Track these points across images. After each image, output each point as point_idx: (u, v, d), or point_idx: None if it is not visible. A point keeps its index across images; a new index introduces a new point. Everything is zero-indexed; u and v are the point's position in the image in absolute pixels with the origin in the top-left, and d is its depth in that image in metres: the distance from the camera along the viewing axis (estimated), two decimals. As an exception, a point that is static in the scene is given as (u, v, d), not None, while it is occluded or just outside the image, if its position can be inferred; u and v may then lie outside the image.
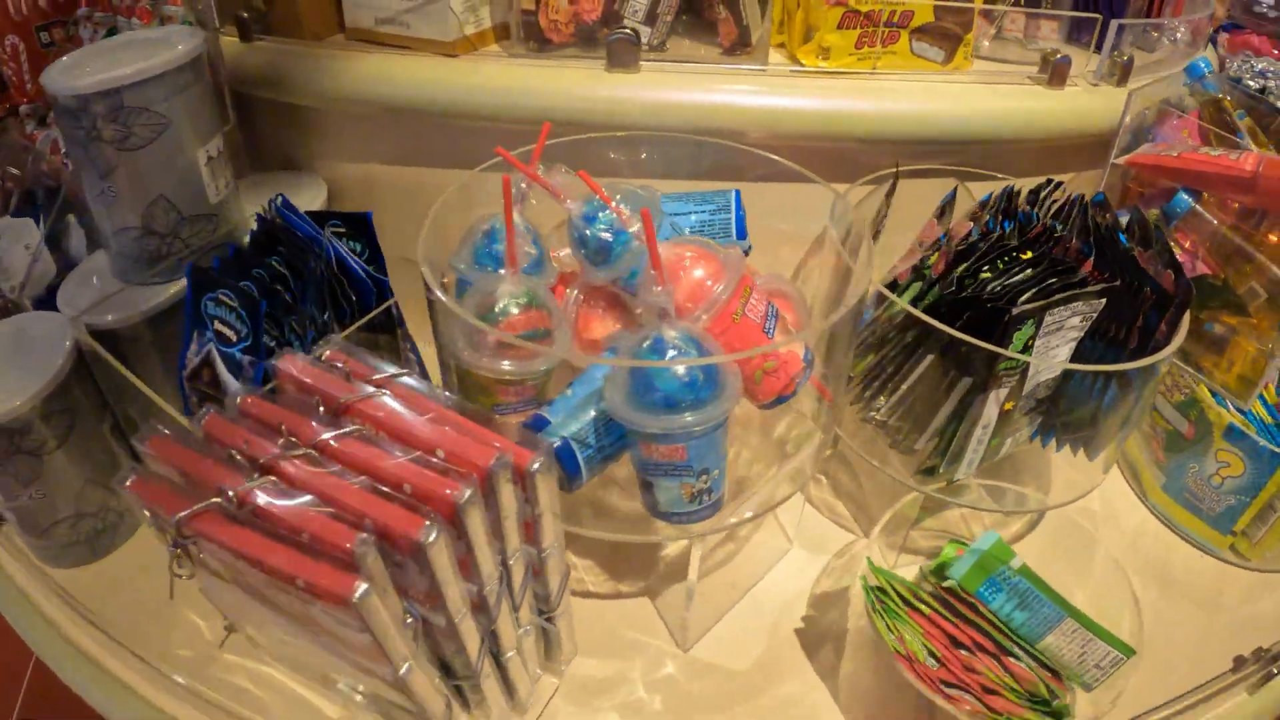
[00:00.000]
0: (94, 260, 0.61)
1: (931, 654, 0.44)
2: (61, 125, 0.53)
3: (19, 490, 0.52)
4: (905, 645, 0.43)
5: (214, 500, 0.34)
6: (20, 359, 0.52)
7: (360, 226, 0.54)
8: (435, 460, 0.36)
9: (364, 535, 0.33)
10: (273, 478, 0.35)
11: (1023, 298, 0.45)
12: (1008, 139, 0.58)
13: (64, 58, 0.55)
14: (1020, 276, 0.46)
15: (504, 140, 0.51)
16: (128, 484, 0.36)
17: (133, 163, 0.52)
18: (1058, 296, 0.45)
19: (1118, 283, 0.46)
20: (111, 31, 0.75)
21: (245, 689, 0.47)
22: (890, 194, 0.55)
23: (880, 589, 0.45)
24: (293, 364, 0.40)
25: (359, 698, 0.44)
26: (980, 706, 0.42)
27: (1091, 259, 0.48)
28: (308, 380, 0.39)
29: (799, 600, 0.53)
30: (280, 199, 0.54)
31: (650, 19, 0.54)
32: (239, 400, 0.39)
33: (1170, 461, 0.55)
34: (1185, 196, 0.54)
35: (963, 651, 0.45)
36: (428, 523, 0.33)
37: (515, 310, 0.40)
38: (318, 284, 0.49)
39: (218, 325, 0.48)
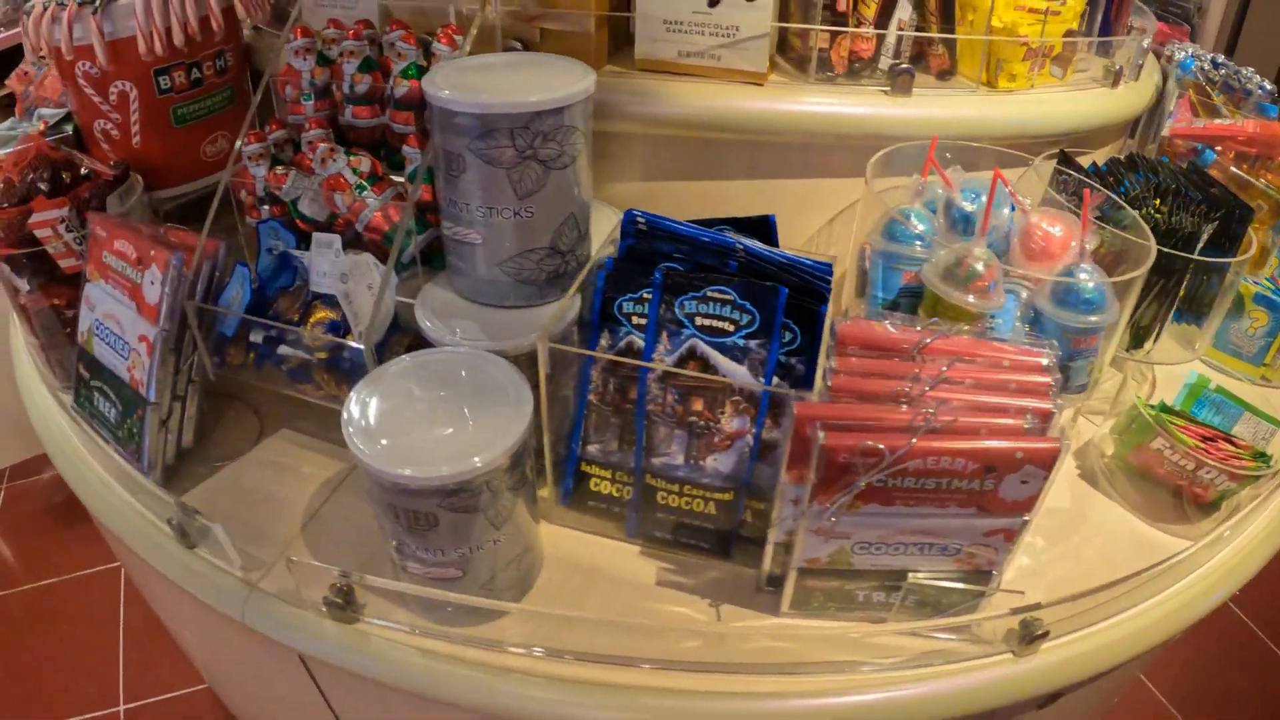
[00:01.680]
0: (426, 293, 0.58)
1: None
2: (478, 147, 0.51)
3: (491, 535, 0.50)
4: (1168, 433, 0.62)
5: (908, 420, 0.43)
6: (477, 395, 0.49)
7: (760, 228, 0.59)
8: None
9: (1027, 418, 0.46)
10: (930, 404, 0.45)
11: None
12: (1096, 126, 0.82)
13: (434, 76, 0.53)
14: (1190, 211, 0.68)
15: (806, 152, 0.68)
16: (822, 439, 0.43)
17: (557, 182, 0.53)
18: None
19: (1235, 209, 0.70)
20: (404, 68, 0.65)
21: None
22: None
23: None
24: (856, 327, 0.50)
25: (909, 599, 0.52)
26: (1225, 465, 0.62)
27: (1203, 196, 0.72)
28: (878, 336, 0.49)
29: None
30: (636, 212, 0.56)
31: (896, 55, 0.69)
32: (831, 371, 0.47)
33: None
34: (1210, 151, 0.83)
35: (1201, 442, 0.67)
36: (1065, 441, 0.45)
37: (982, 268, 0.54)
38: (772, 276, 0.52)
39: (700, 320, 0.53)
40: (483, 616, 0.54)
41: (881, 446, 0.45)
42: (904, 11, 0.66)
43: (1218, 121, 0.81)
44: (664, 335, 0.54)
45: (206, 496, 0.65)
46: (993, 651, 0.54)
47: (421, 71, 0.61)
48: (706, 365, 0.53)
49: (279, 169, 0.64)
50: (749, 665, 0.52)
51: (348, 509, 0.63)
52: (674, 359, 0.53)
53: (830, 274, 0.54)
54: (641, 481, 0.56)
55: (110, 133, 0.84)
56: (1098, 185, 0.68)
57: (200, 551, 0.61)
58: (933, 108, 0.68)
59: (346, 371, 0.59)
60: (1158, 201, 0.70)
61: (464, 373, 0.51)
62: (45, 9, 0.77)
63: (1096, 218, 0.64)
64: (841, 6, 0.63)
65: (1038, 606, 0.53)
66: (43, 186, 0.78)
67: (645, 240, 0.59)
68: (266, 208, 0.66)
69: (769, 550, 0.54)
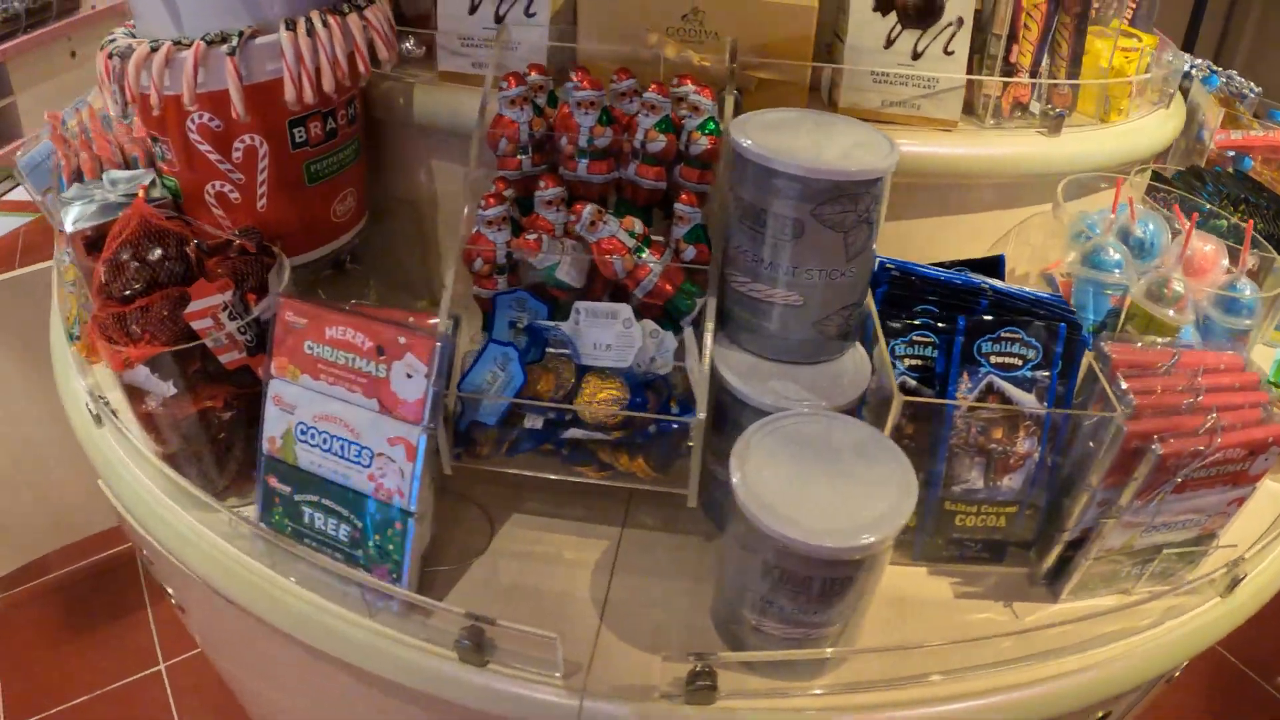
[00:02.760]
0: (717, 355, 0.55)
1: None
2: (823, 212, 0.50)
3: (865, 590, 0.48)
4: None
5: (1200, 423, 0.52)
6: (848, 457, 0.50)
7: (990, 267, 0.65)
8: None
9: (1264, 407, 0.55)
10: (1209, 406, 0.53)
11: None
12: (1167, 145, 0.91)
13: (757, 138, 0.51)
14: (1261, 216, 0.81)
15: (966, 191, 0.71)
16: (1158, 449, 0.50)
17: (870, 241, 0.54)
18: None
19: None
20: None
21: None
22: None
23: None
24: (1122, 351, 0.56)
25: (1157, 568, 0.59)
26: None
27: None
28: (1137, 356, 0.56)
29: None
30: (886, 260, 0.60)
31: (1039, 99, 0.76)
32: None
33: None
34: (1248, 158, 1.00)
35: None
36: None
37: (1181, 289, 0.63)
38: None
39: (994, 359, 0.57)
40: (833, 665, 0.54)
41: (1202, 448, 0.52)
42: (1044, 60, 0.74)
43: (1253, 133, 0.99)
44: (964, 374, 0.58)
45: (468, 602, 0.57)
46: (1209, 598, 0.63)
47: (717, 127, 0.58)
48: (1003, 398, 0.58)
49: (530, 235, 0.58)
50: (1054, 651, 0.57)
51: (638, 588, 0.59)
52: (975, 395, 0.57)
53: (1070, 306, 0.60)
54: (940, 507, 0.60)
55: (229, 196, 0.71)
56: (1190, 197, 0.81)
57: (494, 667, 0.54)
58: (1069, 143, 0.77)
59: (646, 446, 0.56)
60: (1241, 208, 0.84)
61: (824, 435, 0.51)
62: (154, 49, 0.61)
63: (1199, 226, 0.76)
64: (1012, 58, 0.69)
65: (1240, 560, 0.64)
66: (172, 265, 0.64)
67: (898, 286, 0.62)
68: (503, 277, 0.60)
69: (1056, 549, 0.60)
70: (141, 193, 0.71)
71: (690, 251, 0.58)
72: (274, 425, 0.59)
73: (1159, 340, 0.64)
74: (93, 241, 0.70)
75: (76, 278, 0.85)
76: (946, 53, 0.65)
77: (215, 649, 0.94)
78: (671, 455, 0.56)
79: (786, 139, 0.53)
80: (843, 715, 0.52)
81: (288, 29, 0.62)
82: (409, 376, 0.53)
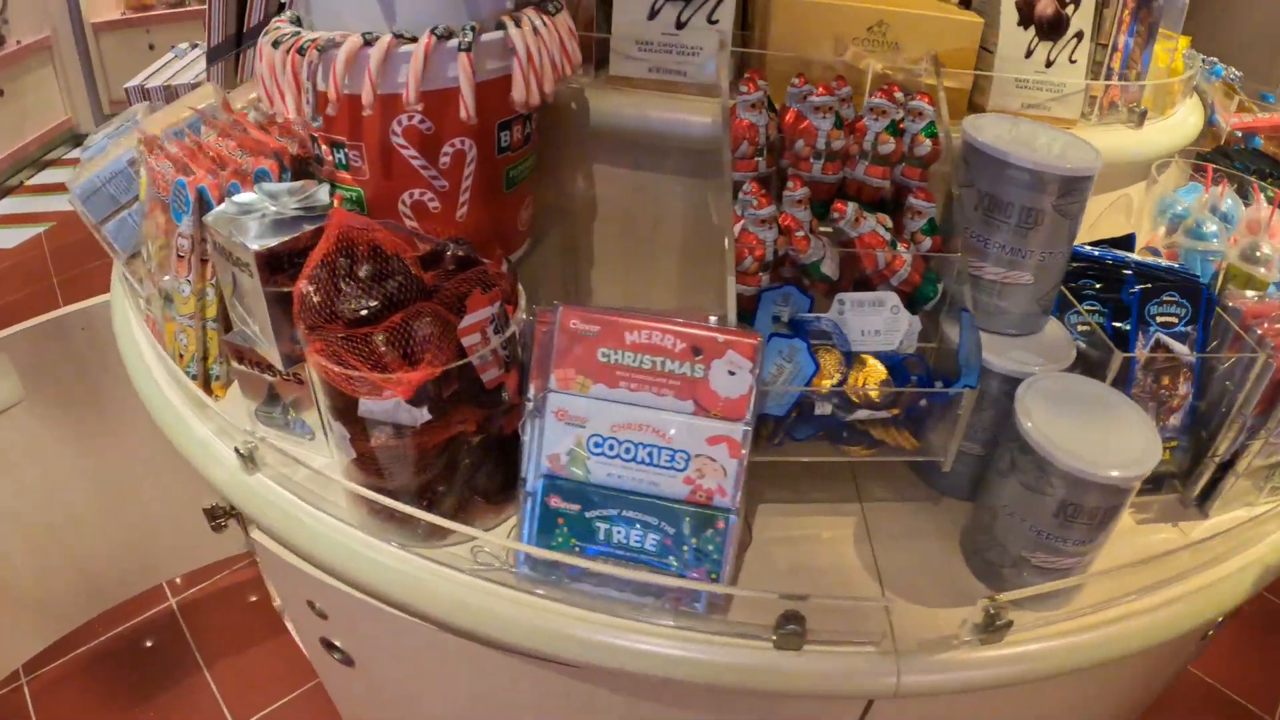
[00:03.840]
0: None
1: None
2: (1061, 204, 0.57)
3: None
4: None
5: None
6: (1098, 408, 0.57)
7: (1124, 244, 0.75)
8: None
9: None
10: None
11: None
12: (1199, 132, 1.05)
13: (1004, 139, 0.58)
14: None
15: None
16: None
17: (1078, 226, 0.61)
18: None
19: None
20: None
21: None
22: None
23: None
24: (1253, 305, 0.67)
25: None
26: None
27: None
28: (1260, 308, 0.66)
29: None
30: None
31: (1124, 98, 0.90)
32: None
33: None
34: (1257, 137, 1.21)
35: None
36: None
37: (1270, 251, 0.78)
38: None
39: (1159, 319, 0.67)
40: (1074, 590, 0.61)
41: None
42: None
43: (1258, 115, 1.20)
44: (1139, 334, 0.68)
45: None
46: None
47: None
48: (1168, 350, 0.69)
49: (799, 232, 0.60)
50: (1219, 557, 0.67)
51: (899, 552, 0.63)
52: (1147, 350, 0.68)
53: (1196, 274, 0.73)
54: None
55: (427, 205, 0.64)
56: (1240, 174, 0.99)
57: (810, 648, 0.55)
58: (1146, 134, 0.88)
59: (913, 420, 0.60)
60: (1269, 179, 1.04)
61: (1070, 391, 0.59)
62: (368, 43, 0.55)
63: (1244, 196, 0.95)
64: (1114, 64, 0.82)
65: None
66: (403, 280, 0.57)
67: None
68: (765, 274, 0.61)
69: (1207, 473, 0.72)
70: (338, 203, 0.64)
71: (926, 242, 0.63)
72: (557, 442, 0.56)
73: (1259, 294, 0.79)
74: (274, 263, 0.61)
75: (197, 309, 0.74)
76: (1071, 61, 0.76)
77: (414, 702, 0.85)
78: (934, 426, 0.62)
79: (1023, 141, 0.60)
80: (1100, 630, 0.61)
81: (515, 25, 0.59)
82: (731, 374, 0.53)
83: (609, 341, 0.54)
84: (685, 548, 0.55)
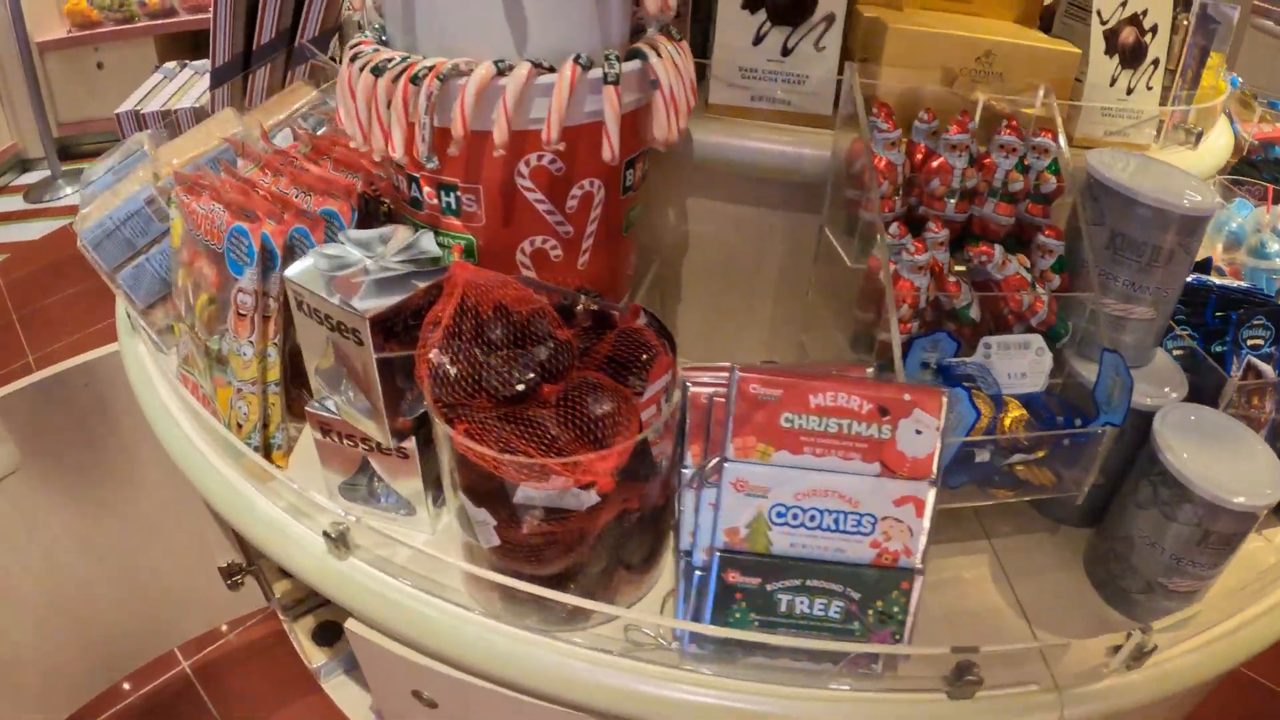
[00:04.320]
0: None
1: None
2: (1187, 242, 0.59)
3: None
4: None
5: None
6: (1223, 437, 0.59)
7: (1203, 268, 0.78)
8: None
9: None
10: None
11: None
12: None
13: (1136, 186, 0.58)
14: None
15: None
16: None
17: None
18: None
19: None
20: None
21: None
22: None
23: None
24: None
25: None
26: None
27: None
28: None
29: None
30: None
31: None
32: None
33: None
34: (1277, 147, 1.28)
35: None
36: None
37: None
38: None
39: (1250, 341, 0.70)
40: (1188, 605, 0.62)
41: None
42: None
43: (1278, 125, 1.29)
44: (1234, 358, 0.72)
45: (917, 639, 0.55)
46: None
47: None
48: (1257, 372, 0.74)
49: (951, 278, 0.57)
50: None
51: (1035, 586, 0.64)
52: (1240, 373, 0.72)
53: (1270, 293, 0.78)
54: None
55: (549, 253, 0.57)
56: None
57: (982, 693, 0.55)
58: (1201, 154, 0.90)
59: (1068, 457, 0.61)
60: None
61: (1191, 419, 0.61)
62: (497, 73, 0.47)
63: None
64: (1180, 89, 0.86)
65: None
66: (555, 345, 0.49)
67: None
68: (915, 322, 0.58)
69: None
70: (457, 255, 0.56)
71: (1055, 280, 0.64)
72: (735, 515, 0.52)
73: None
74: (389, 328, 0.53)
75: (259, 373, 0.63)
76: (1148, 88, 0.79)
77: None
78: (1068, 462, 0.63)
79: (1147, 178, 0.61)
80: (1224, 640, 0.63)
81: (656, 54, 0.54)
82: (918, 433, 0.51)
83: (792, 406, 0.51)
84: (870, 612, 0.53)
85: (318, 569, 0.61)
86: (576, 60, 0.49)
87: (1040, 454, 0.60)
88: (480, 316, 0.49)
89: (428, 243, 0.55)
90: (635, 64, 0.53)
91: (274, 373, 0.66)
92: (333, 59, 0.99)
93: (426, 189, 0.55)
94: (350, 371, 0.55)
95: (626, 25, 0.56)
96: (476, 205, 0.54)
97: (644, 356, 0.51)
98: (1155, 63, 0.78)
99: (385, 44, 0.56)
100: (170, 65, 1.29)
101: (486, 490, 0.50)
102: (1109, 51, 0.76)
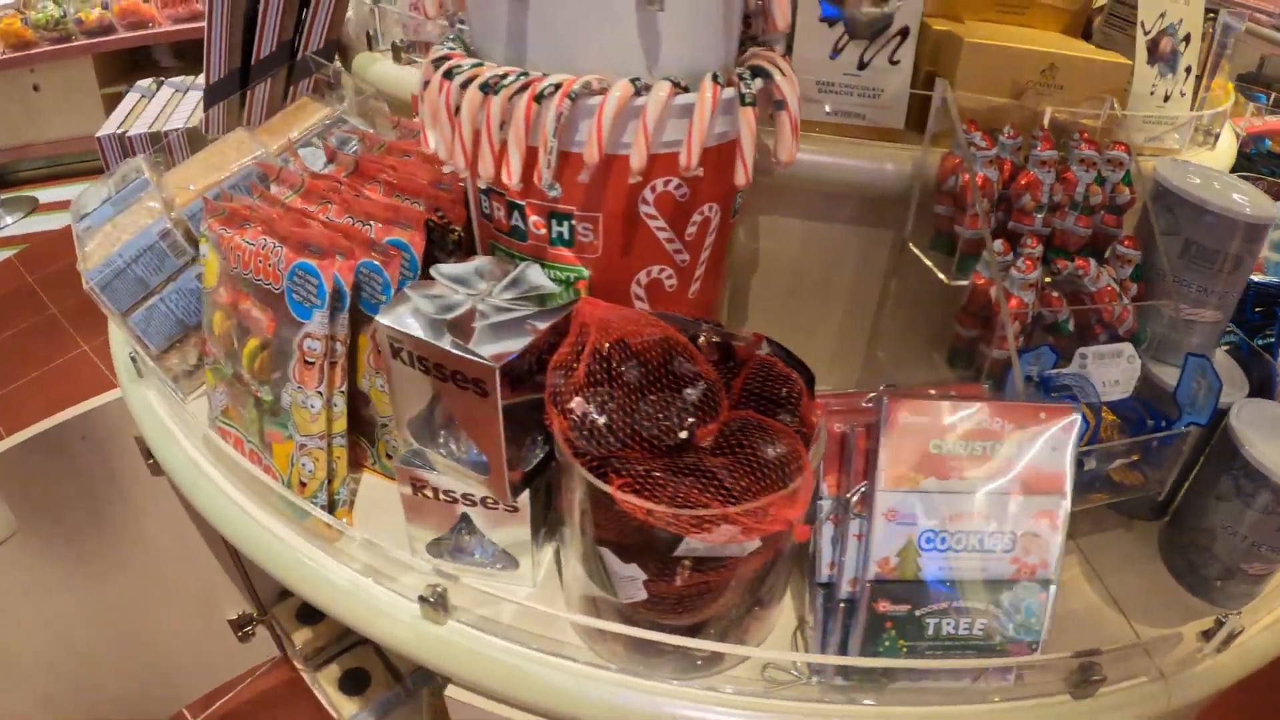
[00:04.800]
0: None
1: None
2: (1253, 249, 0.62)
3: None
4: None
5: None
6: None
7: None
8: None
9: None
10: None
11: None
12: None
13: (1211, 196, 0.61)
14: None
15: None
16: None
17: None
18: None
19: None
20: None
21: None
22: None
23: None
24: None
25: None
26: None
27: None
28: None
29: None
30: None
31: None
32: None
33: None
34: (1266, 140, 1.35)
35: None
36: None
37: None
38: None
39: None
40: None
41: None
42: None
43: (1269, 119, 1.38)
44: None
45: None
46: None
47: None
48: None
49: (1054, 293, 0.58)
50: None
51: (1126, 583, 0.67)
52: None
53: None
54: None
55: (664, 284, 0.54)
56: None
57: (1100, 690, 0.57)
58: (1219, 154, 0.93)
59: (1154, 458, 0.63)
60: None
61: (1261, 413, 0.65)
62: (636, 92, 0.44)
63: None
64: (1204, 93, 0.91)
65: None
66: (701, 389, 0.46)
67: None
68: (1021, 337, 0.59)
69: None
70: (583, 289, 0.52)
71: (1133, 289, 0.67)
72: (886, 545, 0.51)
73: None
74: (514, 376, 0.48)
75: (326, 427, 0.58)
76: (1181, 95, 0.84)
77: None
78: (1158, 462, 0.66)
79: (1213, 188, 0.65)
80: None
81: (780, 72, 0.52)
82: (1053, 450, 0.52)
83: (939, 432, 0.51)
84: (1010, 626, 0.54)
85: (411, 637, 0.56)
86: (715, 79, 0.47)
87: (1134, 457, 0.63)
88: (618, 358, 0.47)
89: (536, 276, 0.51)
90: (759, 82, 0.51)
91: (340, 423, 0.60)
92: (337, 72, 0.92)
93: (534, 218, 0.52)
94: (458, 423, 0.51)
95: (736, 42, 0.54)
96: (593, 235, 0.51)
97: (783, 390, 0.50)
98: (1187, 70, 0.84)
99: (474, 56, 0.51)
100: (145, 83, 1.17)
101: (638, 545, 0.47)
102: (1150, 61, 0.81)
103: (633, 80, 0.46)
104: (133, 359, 0.78)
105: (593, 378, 0.46)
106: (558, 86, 0.45)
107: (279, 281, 0.57)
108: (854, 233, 0.75)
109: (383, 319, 0.49)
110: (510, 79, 0.46)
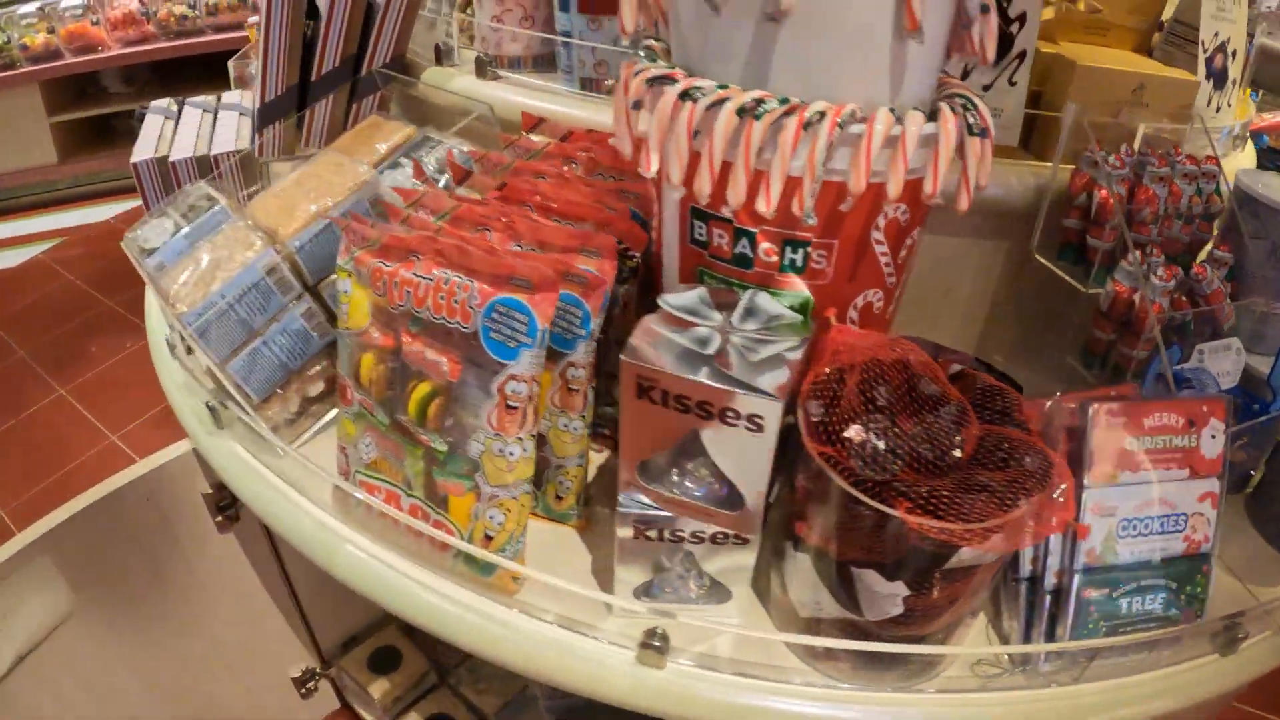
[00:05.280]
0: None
1: None
2: None
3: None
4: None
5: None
6: None
7: None
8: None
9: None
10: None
11: None
12: None
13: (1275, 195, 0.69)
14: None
15: None
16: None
17: None
18: None
19: None
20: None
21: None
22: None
23: None
24: None
25: None
26: None
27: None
28: None
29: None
30: None
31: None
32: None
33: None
34: (1264, 136, 1.48)
35: None
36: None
37: None
38: None
39: None
40: None
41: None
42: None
43: (1265, 116, 1.51)
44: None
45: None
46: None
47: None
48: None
49: (1184, 297, 0.65)
50: None
51: (1231, 551, 0.71)
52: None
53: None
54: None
55: (874, 307, 0.57)
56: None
57: None
58: (1246, 157, 1.03)
59: (1255, 438, 0.72)
60: None
61: None
62: (897, 122, 0.45)
63: None
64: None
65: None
66: (953, 411, 0.49)
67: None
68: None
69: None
70: (833, 317, 0.53)
71: (1228, 288, 0.76)
72: (1093, 537, 0.57)
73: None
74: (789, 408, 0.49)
75: (521, 476, 0.57)
76: (1228, 105, 0.95)
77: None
78: (1258, 443, 0.76)
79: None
80: None
81: (981, 101, 0.55)
82: (1213, 437, 0.60)
83: (1133, 430, 0.57)
84: (1182, 597, 0.61)
85: (628, 685, 0.56)
86: (953, 108, 0.51)
87: (1244, 439, 0.72)
88: (873, 383, 0.50)
89: (771, 304, 0.53)
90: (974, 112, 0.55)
91: (530, 468, 0.58)
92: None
93: (765, 245, 0.53)
94: (701, 460, 0.52)
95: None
96: (826, 261, 0.53)
97: (1001, 402, 0.55)
98: (1234, 83, 0.95)
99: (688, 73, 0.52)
100: (161, 104, 1.06)
101: (902, 563, 0.50)
102: (1208, 76, 0.91)
103: (891, 109, 0.49)
104: (211, 409, 0.72)
105: (867, 403, 0.49)
106: (822, 114, 0.47)
107: (470, 320, 0.54)
108: (974, 245, 0.81)
109: (633, 357, 0.50)
110: (769, 104, 0.48)
